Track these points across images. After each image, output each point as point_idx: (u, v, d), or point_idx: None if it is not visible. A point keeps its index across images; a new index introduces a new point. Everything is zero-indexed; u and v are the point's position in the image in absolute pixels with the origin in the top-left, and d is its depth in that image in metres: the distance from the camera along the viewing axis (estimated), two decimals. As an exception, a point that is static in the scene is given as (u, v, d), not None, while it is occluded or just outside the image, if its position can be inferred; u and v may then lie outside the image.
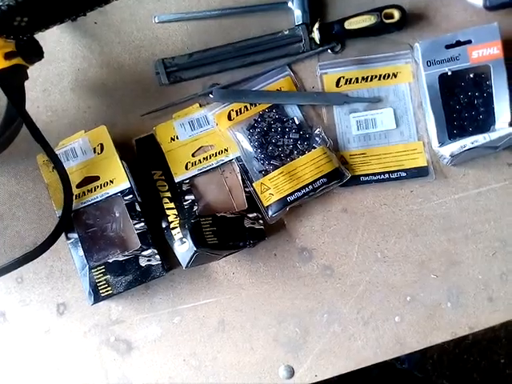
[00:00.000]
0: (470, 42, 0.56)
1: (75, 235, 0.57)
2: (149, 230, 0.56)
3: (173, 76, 0.62)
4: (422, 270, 0.59)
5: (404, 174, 0.59)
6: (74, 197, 0.56)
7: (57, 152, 0.57)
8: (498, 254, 0.59)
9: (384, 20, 0.59)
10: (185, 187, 0.59)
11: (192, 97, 0.62)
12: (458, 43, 0.57)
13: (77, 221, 0.57)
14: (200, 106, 0.62)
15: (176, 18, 0.62)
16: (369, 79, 0.61)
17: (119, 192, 0.57)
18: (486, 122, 0.58)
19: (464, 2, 0.60)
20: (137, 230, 0.56)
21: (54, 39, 0.63)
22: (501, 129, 0.56)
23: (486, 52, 0.56)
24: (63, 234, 0.56)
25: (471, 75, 0.58)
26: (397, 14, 0.59)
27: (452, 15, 0.61)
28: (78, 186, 0.57)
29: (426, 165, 0.59)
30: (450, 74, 0.57)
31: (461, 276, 0.59)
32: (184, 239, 0.54)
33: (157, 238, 0.57)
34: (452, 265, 0.59)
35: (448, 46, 0.57)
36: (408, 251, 0.59)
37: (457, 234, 0.59)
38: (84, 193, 0.57)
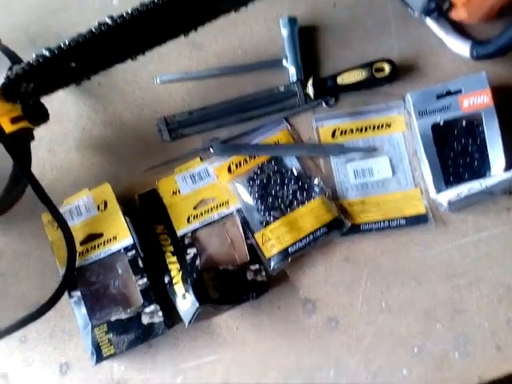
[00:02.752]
0: (460, 91, 0.56)
1: (78, 293, 0.54)
2: (151, 286, 0.54)
3: (174, 132, 0.61)
4: (427, 319, 0.56)
5: (404, 222, 0.57)
6: (77, 254, 0.54)
7: (61, 210, 0.55)
8: (503, 300, 0.56)
9: (375, 74, 0.58)
10: (187, 241, 0.57)
11: (193, 152, 0.60)
12: (449, 93, 0.56)
13: (80, 278, 0.55)
14: (201, 159, 0.60)
15: (177, 78, 0.62)
16: (363, 130, 0.60)
17: (122, 248, 0.55)
18: (481, 168, 0.56)
19: (452, 52, 0.60)
20: (139, 286, 0.54)
21: (59, 100, 0.62)
22: (496, 175, 0.54)
23: (476, 100, 0.55)
24: (66, 292, 0.54)
25: (463, 123, 0.57)
26: (387, 68, 0.58)
27: (441, 65, 0.61)
28: (81, 244, 0.55)
29: (424, 212, 0.57)
30: (442, 123, 0.56)
31: (467, 324, 0.55)
32: (186, 294, 0.51)
33: (159, 293, 0.54)
34: (457, 313, 0.56)
35: (439, 96, 0.56)
36: (412, 300, 0.56)
37: (460, 280, 0.56)
38: (87, 250, 0.55)
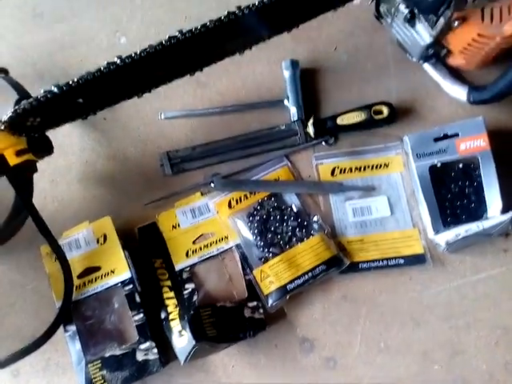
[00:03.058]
0: (457, 135, 0.57)
1: (73, 327, 0.53)
2: (147, 322, 0.53)
3: (176, 167, 0.62)
4: (425, 360, 0.55)
5: (402, 261, 0.57)
6: (74, 288, 0.53)
7: (60, 243, 0.55)
8: (501, 342, 0.55)
9: (374, 116, 0.60)
10: (185, 275, 0.57)
11: (194, 186, 0.61)
12: (446, 136, 0.57)
13: (76, 312, 0.54)
14: (201, 194, 0.61)
15: (181, 115, 0.64)
16: (362, 169, 0.61)
17: (120, 282, 0.54)
18: (478, 209, 0.57)
19: (449, 96, 0.61)
20: (135, 321, 0.53)
21: (64, 133, 0.63)
22: (493, 217, 0.55)
23: (473, 144, 0.56)
24: (61, 326, 0.53)
25: (460, 165, 0.58)
26: (385, 110, 0.60)
27: (438, 108, 0.62)
28: (79, 277, 0.55)
29: (422, 252, 0.57)
30: (439, 165, 0.57)
31: (465, 366, 0.55)
32: (183, 332, 0.51)
33: (155, 329, 0.54)
34: (455, 354, 0.55)
35: (436, 139, 0.57)
36: (410, 341, 0.55)
37: (458, 321, 0.56)
38: (84, 283, 0.55)
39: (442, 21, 0.52)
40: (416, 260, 0.57)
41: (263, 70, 0.65)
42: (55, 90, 0.48)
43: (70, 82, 0.48)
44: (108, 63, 0.48)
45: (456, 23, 0.52)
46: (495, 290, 0.56)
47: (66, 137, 0.63)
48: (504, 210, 0.55)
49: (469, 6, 0.49)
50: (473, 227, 0.54)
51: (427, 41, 0.55)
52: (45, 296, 0.57)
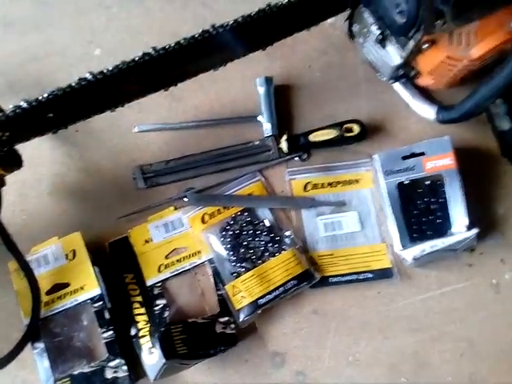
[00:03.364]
0: (423, 153, 0.58)
1: (41, 345, 0.52)
2: (117, 339, 0.52)
3: (150, 181, 0.61)
4: (392, 373, 0.56)
5: (370, 275, 0.58)
6: (42, 304, 0.52)
7: (28, 258, 0.53)
8: (466, 355, 0.57)
9: (345, 133, 0.61)
10: (156, 291, 0.56)
11: (167, 201, 0.61)
12: (413, 155, 0.59)
13: (44, 329, 0.53)
14: (175, 208, 0.60)
15: (155, 128, 0.63)
16: (333, 185, 0.62)
17: (89, 299, 0.53)
18: (443, 225, 0.58)
19: (418, 115, 0.63)
20: (104, 338, 0.52)
21: (33, 145, 0.59)
22: (457, 233, 0.57)
23: (439, 163, 0.58)
24: (29, 343, 0.52)
25: (427, 182, 0.59)
26: (356, 128, 0.61)
27: (407, 127, 0.64)
28: (47, 293, 0.54)
29: (390, 266, 0.58)
30: (406, 182, 0.58)
31: (430, 378, 0.56)
32: (153, 349, 0.50)
33: (125, 346, 0.53)
34: (421, 367, 0.56)
35: (404, 157, 0.59)
36: (379, 354, 0.57)
37: (424, 334, 0.57)
38: (53, 300, 0.53)
39: (411, 43, 0.53)
40: (384, 274, 0.58)
41: (238, 85, 0.65)
42: (24, 105, 0.47)
43: (40, 98, 0.47)
44: (79, 79, 0.47)
45: (425, 45, 0.54)
46: (460, 303, 0.58)
47: (36, 149, 0.62)
48: (469, 227, 0.56)
49: (437, 30, 0.51)
50: (438, 243, 0.56)
51: (397, 62, 0.57)
52: (13, 313, 0.55)
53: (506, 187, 0.61)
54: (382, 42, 0.57)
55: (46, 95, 0.47)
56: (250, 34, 0.55)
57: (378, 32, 0.56)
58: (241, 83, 0.65)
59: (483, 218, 0.59)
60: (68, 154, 0.63)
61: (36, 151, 0.62)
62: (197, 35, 0.50)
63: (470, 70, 0.56)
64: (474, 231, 0.56)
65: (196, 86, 0.64)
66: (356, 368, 0.56)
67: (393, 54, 0.57)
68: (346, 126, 0.61)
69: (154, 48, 0.49)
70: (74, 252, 0.54)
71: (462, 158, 0.58)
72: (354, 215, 0.61)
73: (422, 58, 0.57)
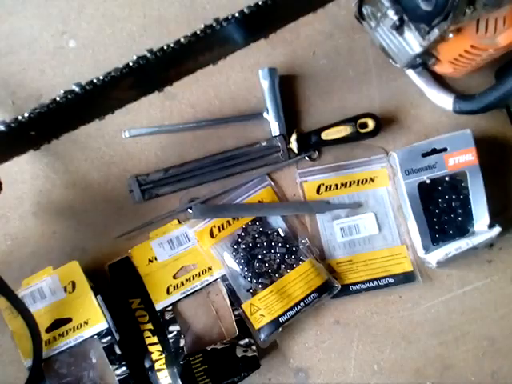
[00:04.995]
0: (445, 149, 0.54)
1: (46, 389, 0.47)
2: (131, 375, 0.47)
3: (148, 193, 0.55)
4: (418, 378, 0.55)
5: (392, 281, 0.55)
6: (43, 344, 0.47)
7: (21, 293, 0.47)
8: (488, 353, 0.56)
9: (359, 130, 0.56)
10: (168, 316, 0.51)
11: (170, 214, 0.55)
12: (434, 151, 0.55)
13: (48, 371, 0.47)
14: (179, 222, 0.55)
15: (148, 132, 0.56)
16: (348, 185, 0.57)
17: (95, 334, 0.48)
18: (464, 223, 0.55)
19: (432, 104, 0.58)
20: (117, 375, 0.47)
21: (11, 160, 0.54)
22: (481, 232, 0.54)
23: (461, 159, 0.54)
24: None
25: (447, 179, 0.56)
26: (371, 124, 0.56)
27: (421, 117, 0.59)
28: (47, 331, 0.48)
29: (412, 269, 0.56)
30: (428, 182, 0.54)
31: (455, 380, 0.55)
32: (173, 385, 0.46)
33: (140, 381, 0.48)
34: (446, 369, 0.55)
35: (424, 154, 0.55)
36: (403, 360, 0.55)
37: (447, 336, 0.55)
38: (54, 338, 0.48)
39: (436, 32, 0.47)
40: (406, 278, 0.55)
41: (237, 77, 0.58)
42: (1, 127, 0.39)
43: (20, 118, 0.39)
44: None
45: (451, 35, 0.48)
46: (481, 301, 0.56)
47: (14, 163, 0.53)
48: (491, 223, 0.54)
49: (466, 18, 0.45)
50: (462, 245, 0.53)
51: (416, 50, 0.51)
52: (9, 353, 0.50)
53: (523, 178, 0.59)
54: (398, 28, 0.51)
55: (26, 115, 0.39)
56: (255, 23, 0.47)
57: (396, 18, 0.50)
58: (241, 75, 0.58)
59: (502, 212, 0.57)
60: (51, 166, 0.55)
61: (14, 166, 0.53)
62: (198, 32, 0.43)
63: (493, 58, 0.52)
64: (498, 229, 0.53)
65: (190, 81, 0.56)
66: (381, 376, 0.54)
67: (412, 42, 0.51)
68: (360, 121, 0.56)
69: (150, 50, 0.41)
70: (74, 284, 0.48)
71: (480, 148, 0.55)
72: (372, 217, 0.57)
73: (444, 46, 0.51)
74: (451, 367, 0.55)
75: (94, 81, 0.40)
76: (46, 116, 0.40)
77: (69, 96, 0.40)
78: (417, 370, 0.55)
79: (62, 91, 0.39)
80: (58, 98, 0.39)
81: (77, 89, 0.40)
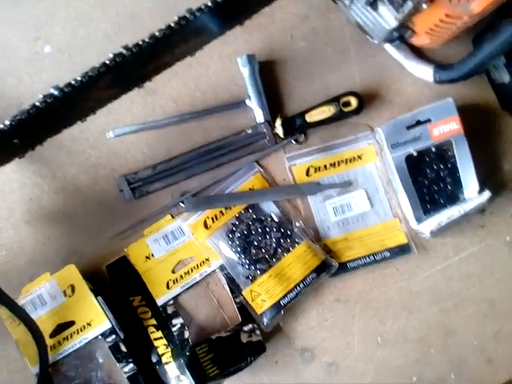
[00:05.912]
0: (429, 120, 0.55)
1: (56, 393, 0.47)
2: (139, 371, 0.48)
3: (138, 191, 0.55)
4: (421, 346, 0.56)
5: (388, 254, 0.56)
6: (48, 349, 0.47)
7: (22, 302, 0.47)
8: (489, 315, 0.57)
9: (343, 109, 0.56)
10: (170, 310, 0.52)
11: (162, 209, 0.55)
12: (418, 122, 0.55)
13: (56, 375, 0.48)
14: (172, 217, 0.55)
15: (132, 130, 0.56)
16: (336, 164, 0.58)
17: (100, 334, 0.48)
18: (454, 191, 0.56)
19: (413, 76, 0.59)
20: (126, 373, 0.48)
21: None
22: (471, 198, 0.55)
23: (446, 128, 0.55)
24: (42, 393, 0.47)
25: (433, 149, 0.56)
26: (354, 102, 0.56)
27: (403, 90, 0.60)
28: (51, 336, 0.48)
29: (406, 241, 0.56)
30: (415, 154, 0.55)
31: (458, 344, 0.56)
32: (181, 376, 0.47)
33: (149, 376, 0.49)
34: (448, 335, 0.56)
35: (409, 127, 0.55)
36: (406, 330, 0.56)
37: (447, 303, 0.57)
38: (59, 342, 0.48)
39: (409, 4, 0.48)
40: (401, 250, 0.56)
41: (216, 67, 0.58)
42: (-17, 138, 0.39)
43: (2, 126, 0.39)
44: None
45: (424, 5, 0.48)
46: (477, 266, 0.57)
47: (1, 173, 0.53)
48: (480, 188, 0.55)
49: (437, -12, 0.46)
50: (454, 212, 0.54)
51: (392, 24, 0.51)
52: (14, 361, 0.50)
53: (509, 141, 0.59)
54: (372, 4, 0.51)
55: (7, 122, 0.39)
56: (228, 11, 0.48)
57: (369, -7, 0.50)
58: (220, 64, 0.58)
59: (490, 177, 0.58)
60: (38, 173, 0.55)
61: (0, 175, 0.54)
62: (173, 24, 0.43)
63: (468, 26, 0.52)
64: (487, 194, 0.54)
65: (169, 74, 0.56)
66: (386, 348, 0.55)
67: (386, 16, 0.51)
68: (342, 100, 0.56)
69: (125, 47, 0.41)
70: (73, 287, 0.49)
71: (463, 116, 0.55)
72: (362, 194, 0.57)
73: (419, 17, 0.51)
74: (454, 333, 0.56)
75: (72, 82, 0.40)
76: (28, 122, 0.40)
77: (48, 100, 0.40)
78: (420, 338, 0.56)
79: (41, 96, 0.39)
80: (37, 103, 0.39)
81: (55, 92, 0.40)
